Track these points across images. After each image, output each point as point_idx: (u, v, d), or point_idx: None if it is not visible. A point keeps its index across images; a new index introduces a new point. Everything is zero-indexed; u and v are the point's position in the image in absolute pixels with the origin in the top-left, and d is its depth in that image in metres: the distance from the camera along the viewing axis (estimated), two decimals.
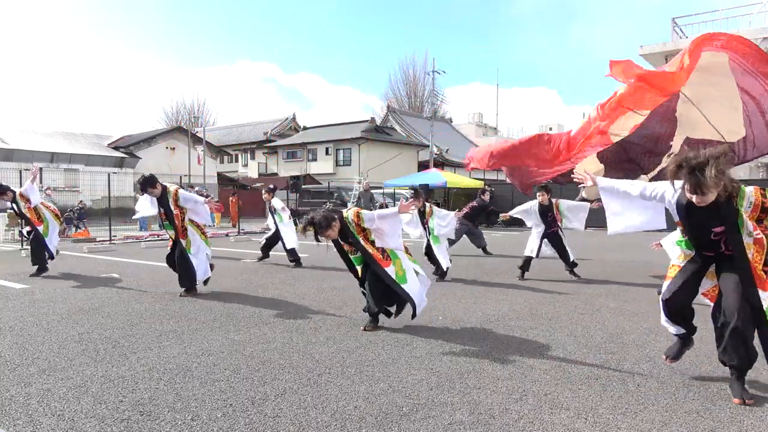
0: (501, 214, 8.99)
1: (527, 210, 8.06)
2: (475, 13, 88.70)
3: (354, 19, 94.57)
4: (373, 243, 4.71)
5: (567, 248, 7.86)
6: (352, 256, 4.88)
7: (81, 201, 20.35)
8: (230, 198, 22.28)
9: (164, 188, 6.36)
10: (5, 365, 3.69)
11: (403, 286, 4.68)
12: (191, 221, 6.44)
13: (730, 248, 3.10)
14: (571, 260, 7.84)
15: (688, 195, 2.95)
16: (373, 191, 19.28)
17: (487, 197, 11.16)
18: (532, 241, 8.01)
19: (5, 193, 8.02)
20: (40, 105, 73.80)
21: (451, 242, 10.96)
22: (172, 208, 6.31)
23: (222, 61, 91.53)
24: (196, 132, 34.01)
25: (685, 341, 3.59)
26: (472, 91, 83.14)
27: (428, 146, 30.85)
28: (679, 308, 3.44)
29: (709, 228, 3.08)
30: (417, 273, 4.86)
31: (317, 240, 4.63)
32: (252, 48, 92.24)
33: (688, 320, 3.53)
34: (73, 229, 17.12)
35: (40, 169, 8.97)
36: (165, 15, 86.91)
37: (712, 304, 3.49)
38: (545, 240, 7.94)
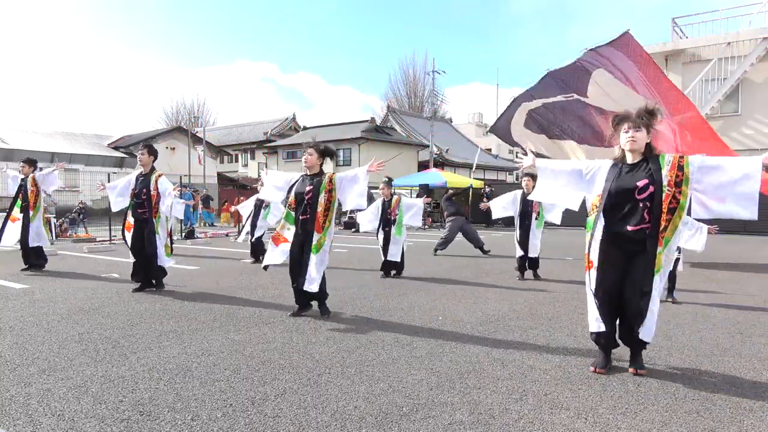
0: (481, 204, 8.99)
1: (508, 200, 7.98)
2: (475, 13, 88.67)
3: (354, 19, 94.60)
4: (326, 210, 5.06)
5: (536, 242, 7.76)
6: (290, 209, 5.18)
7: (81, 201, 20.35)
8: (238, 198, 22.36)
9: (152, 168, 6.63)
10: (5, 365, 3.69)
11: (312, 255, 5.02)
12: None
13: (648, 220, 3.33)
14: (533, 257, 7.73)
15: (627, 138, 3.44)
16: (372, 191, 19.28)
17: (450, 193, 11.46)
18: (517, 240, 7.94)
19: (31, 166, 8.37)
20: (40, 105, 73.84)
21: (448, 241, 11.00)
22: (152, 189, 6.44)
23: (221, 60, 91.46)
24: (196, 132, 34.02)
25: (608, 351, 3.64)
26: (472, 91, 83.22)
27: (428, 146, 30.83)
28: (610, 294, 3.51)
29: (635, 183, 3.38)
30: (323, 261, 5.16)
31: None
32: (251, 48, 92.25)
33: (619, 312, 3.58)
34: (78, 229, 17.14)
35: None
36: (165, 15, 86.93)
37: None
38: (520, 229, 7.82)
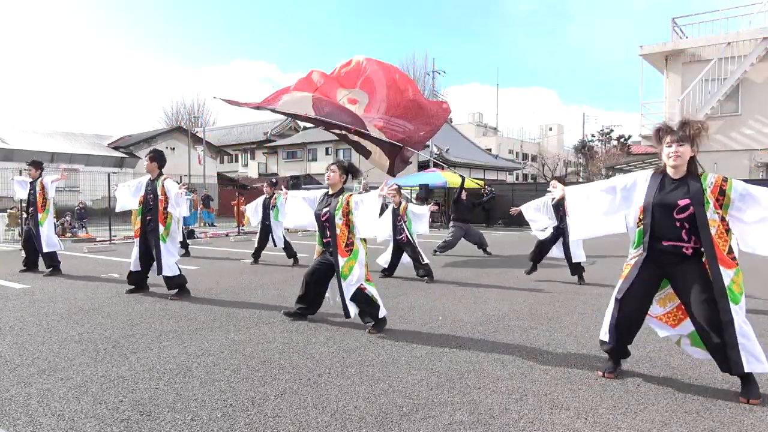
0: (512, 209, 8.71)
1: (539, 206, 7.75)
2: (474, 14, 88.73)
3: (353, 19, 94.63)
4: (349, 233, 4.73)
5: (577, 248, 7.51)
6: (317, 233, 4.94)
7: (81, 201, 20.35)
8: (239, 199, 22.36)
9: (159, 173, 6.51)
10: (5, 365, 3.69)
11: (343, 282, 4.64)
12: (170, 214, 6.35)
13: (692, 241, 3.20)
14: (577, 263, 7.54)
15: (670, 153, 3.24)
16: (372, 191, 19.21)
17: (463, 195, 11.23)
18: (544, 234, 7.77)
19: (37, 169, 8.33)
20: (40, 105, 73.83)
21: (450, 246, 10.99)
22: (159, 193, 6.32)
23: (219, 60, 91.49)
24: (196, 132, 34.01)
25: (617, 361, 3.60)
26: (472, 91, 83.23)
27: (428, 146, 30.81)
28: (630, 312, 3.42)
29: (675, 201, 3.22)
30: (365, 289, 4.71)
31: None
32: (249, 48, 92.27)
33: (632, 333, 3.51)
34: (79, 229, 17.14)
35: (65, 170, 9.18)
36: (164, 15, 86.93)
37: (668, 332, 3.49)
38: (556, 237, 7.64)
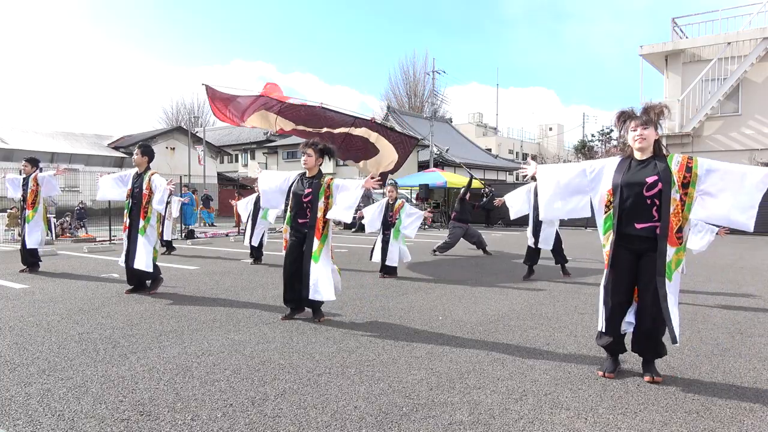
0: (496, 200, 8.91)
1: (521, 192, 7.91)
2: (474, 14, 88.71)
3: (351, 19, 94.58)
4: (324, 216, 4.92)
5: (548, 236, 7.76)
6: (290, 213, 5.03)
7: (81, 201, 20.35)
8: (234, 199, 22.33)
9: (147, 167, 6.54)
10: (5, 365, 3.69)
11: (312, 264, 4.83)
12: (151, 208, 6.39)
13: (657, 218, 3.31)
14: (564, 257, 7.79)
15: (635, 137, 3.39)
16: (372, 190, 19.25)
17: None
18: (529, 231, 7.91)
19: (33, 166, 8.33)
20: (40, 105, 73.80)
21: (449, 246, 10.99)
22: (144, 188, 6.35)
23: (217, 60, 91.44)
24: (196, 132, 34.01)
25: (615, 355, 3.64)
26: (472, 91, 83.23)
27: (428, 146, 30.81)
28: (619, 298, 3.48)
29: (643, 178, 3.34)
30: (331, 269, 4.98)
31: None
32: (248, 47, 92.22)
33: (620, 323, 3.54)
34: (76, 231, 17.13)
35: (65, 169, 9.29)
36: (164, 14, 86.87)
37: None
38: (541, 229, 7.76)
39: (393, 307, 5.73)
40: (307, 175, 5.06)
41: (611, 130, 46.64)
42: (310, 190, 4.93)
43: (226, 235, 16.20)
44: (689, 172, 3.29)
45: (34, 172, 8.33)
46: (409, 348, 4.14)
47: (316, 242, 4.87)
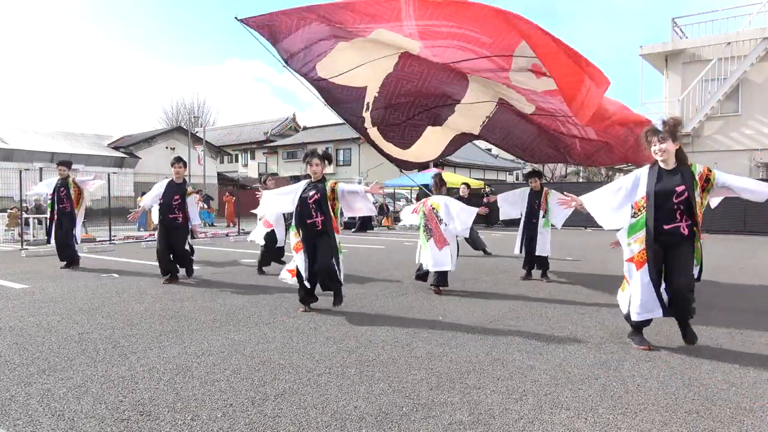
0: (486, 197, 8.75)
1: (515, 194, 7.81)
2: None
3: None
4: (333, 215, 5.36)
5: (545, 242, 7.54)
6: (296, 216, 5.39)
7: None
8: (225, 197, 22.49)
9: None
10: (5, 365, 3.69)
11: (339, 256, 5.34)
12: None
13: (684, 220, 3.94)
14: (543, 256, 7.54)
15: (656, 150, 4.00)
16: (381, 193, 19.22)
17: (465, 193, 11.11)
18: (518, 238, 7.82)
19: (67, 168, 8.98)
20: (40, 105, 73.73)
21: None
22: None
23: (214, 60, 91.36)
24: (196, 132, 33.99)
25: (641, 331, 4.27)
26: None
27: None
28: (655, 282, 4.04)
29: (674, 188, 3.94)
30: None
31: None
32: (244, 47, 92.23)
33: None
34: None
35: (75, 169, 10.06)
36: (165, 14, 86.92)
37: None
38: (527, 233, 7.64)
39: (393, 307, 5.73)
40: (312, 180, 5.49)
41: None
42: (315, 191, 5.34)
43: (226, 236, 16.20)
44: (707, 182, 3.98)
45: (64, 174, 8.93)
46: (409, 348, 4.14)
47: (338, 237, 5.34)
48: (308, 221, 5.30)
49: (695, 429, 2.73)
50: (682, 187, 3.91)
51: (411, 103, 7.08)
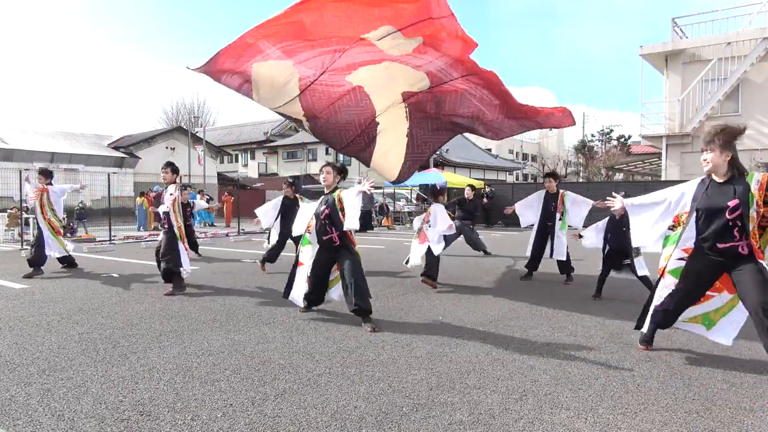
0: (506, 209, 8.62)
1: (533, 198, 7.74)
2: (468, 14, 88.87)
3: None
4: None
5: (562, 245, 7.49)
6: (308, 234, 5.28)
7: (81, 201, 20.35)
8: (224, 197, 22.56)
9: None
10: (5, 365, 3.69)
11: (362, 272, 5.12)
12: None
13: (743, 238, 3.48)
14: (563, 260, 7.52)
15: (701, 160, 3.63)
16: (373, 191, 19.19)
17: (469, 195, 11.09)
18: (532, 239, 7.76)
19: (45, 177, 8.45)
20: (40, 105, 73.74)
21: (447, 243, 10.92)
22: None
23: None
24: (196, 132, 34.00)
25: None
26: None
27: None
28: (681, 300, 3.82)
29: (725, 203, 3.50)
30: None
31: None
32: None
33: (677, 316, 3.96)
34: (80, 230, 17.16)
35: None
36: (165, 14, 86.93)
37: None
38: (543, 238, 7.58)
39: (393, 307, 5.73)
40: (325, 192, 5.30)
41: (611, 130, 46.64)
42: (325, 206, 5.15)
43: (227, 235, 16.20)
44: None
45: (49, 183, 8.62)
46: (409, 348, 4.14)
47: (354, 249, 5.19)
48: (324, 238, 5.13)
49: (695, 429, 2.73)
50: (735, 202, 3.47)
51: (339, 133, 6.93)
